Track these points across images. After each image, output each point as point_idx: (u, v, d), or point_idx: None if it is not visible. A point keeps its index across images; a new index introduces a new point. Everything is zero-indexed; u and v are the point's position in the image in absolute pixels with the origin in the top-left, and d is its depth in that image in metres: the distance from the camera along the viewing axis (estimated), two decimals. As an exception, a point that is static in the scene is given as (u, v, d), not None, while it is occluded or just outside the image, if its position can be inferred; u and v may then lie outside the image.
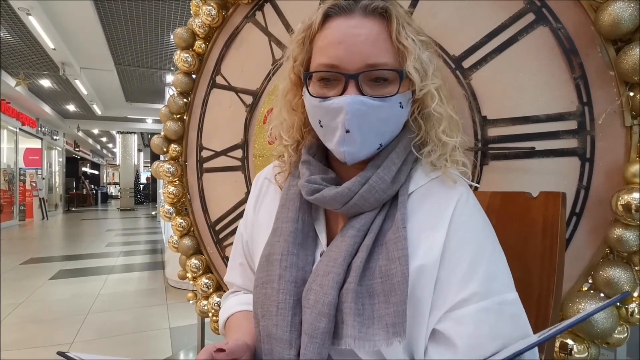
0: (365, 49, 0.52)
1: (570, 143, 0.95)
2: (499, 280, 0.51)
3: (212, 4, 1.48)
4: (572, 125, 0.95)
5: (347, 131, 0.53)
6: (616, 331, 0.86)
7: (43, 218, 11.25)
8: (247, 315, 0.64)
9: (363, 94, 0.52)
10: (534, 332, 0.51)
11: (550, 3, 0.95)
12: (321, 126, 0.56)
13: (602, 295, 0.86)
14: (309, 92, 0.56)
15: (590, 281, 0.90)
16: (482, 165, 1.05)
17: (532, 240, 0.70)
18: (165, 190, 1.65)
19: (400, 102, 0.55)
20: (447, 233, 0.52)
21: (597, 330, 0.83)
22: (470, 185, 0.60)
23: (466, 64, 1.07)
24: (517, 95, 1.01)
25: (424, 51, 0.55)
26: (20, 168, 10.62)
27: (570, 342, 0.88)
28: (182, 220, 1.65)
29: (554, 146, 0.97)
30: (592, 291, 0.89)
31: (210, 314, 1.54)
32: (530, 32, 0.98)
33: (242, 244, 0.71)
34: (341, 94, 0.53)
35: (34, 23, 5.22)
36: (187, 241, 1.63)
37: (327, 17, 0.55)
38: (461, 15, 1.07)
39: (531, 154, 0.99)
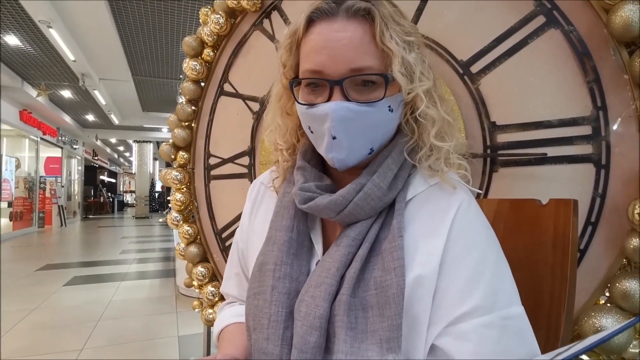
0: (349, 54, 0.50)
1: (585, 149, 0.91)
2: (503, 293, 0.47)
3: (220, 12, 1.49)
4: (586, 130, 0.91)
5: (334, 137, 0.51)
6: (631, 345, 0.81)
7: (61, 225, 11.50)
8: (240, 327, 0.62)
9: (349, 100, 0.51)
10: (543, 349, 0.48)
11: (560, 5, 0.93)
12: (311, 132, 0.55)
13: (618, 308, 0.81)
14: (296, 100, 0.56)
15: (607, 294, 0.86)
16: (492, 172, 1.02)
17: (542, 250, 0.66)
18: (173, 198, 1.65)
19: (389, 106, 0.53)
20: (446, 241, 0.49)
21: (613, 345, 0.78)
22: (473, 192, 0.57)
23: (474, 68, 1.04)
24: (527, 100, 0.98)
25: (410, 52, 0.53)
26: (40, 176, 10.90)
27: (585, 357, 0.83)
28: (189, 228, 1.64)
29: (568, 152, 0.93)
30: (609, 304, 0.84)
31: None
32: (541, 35, 0.95)
33: (237, 253, 0.69)
34: (327, 100, 0.51)
35: (55, 35, 5.40)
36: (193, 249, 1.62)
37: (310, 21, 0.53)
38: (469, 19, 1.05)
39: (543, 160, 0.96)
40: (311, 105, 0.53)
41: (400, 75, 0.51)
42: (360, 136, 0.52)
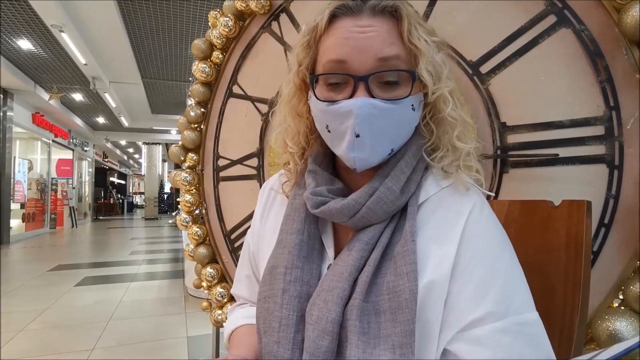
0: (375, 46, 0.49)
1: (597, 149, 0.90)
2: (516, 299, 0.47)
3: (229, 15, 1.50)
4: (599, 130, 0.90)
5: (357, 135, 0.49)
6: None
7: (73, 226, 11.65)
8: (251, 329, 0.62)
9: (373, 97, 0.49)
10: (557, 353, 0.47)
11: (571, 4, 0.91)
12: (329, 131, 0.53)
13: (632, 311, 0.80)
14: (315, 96, 0.53)
15: (621, 297, 0.84)
16: (502, 173, 1.01)
17: (554, 253, 0.65)
18: (182, 199, 1.66)
19: (412, 105, 0.52)
20: (458, 245, 0.48)
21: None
22: (485, 194, 0.56)
23: (484, 69, 1.03)
24: (538, 100, 0.97)
25: (438, 52, 0.52)
26: (52, 178, 11.06)
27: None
28: (198, 229, 1.65)
29: (580, 153, 0.92)
30: (622, 307, 0.82)
31: (224, 324, 1.53)
32: (552, 35, 0.94)
33: (249, 255, 0.69)
34: (350, 97, 0.50)
35: (67, 39, 5.49)
36: (202, 250, 1.63)
37: (333, 17, 0.52)
38: (479, 19, 1.04)
39: (555, 161, 0.94)
40: (332, 102, 0.52)
41: (427, 74, 0.50)
42: (383, 135, 0.51)
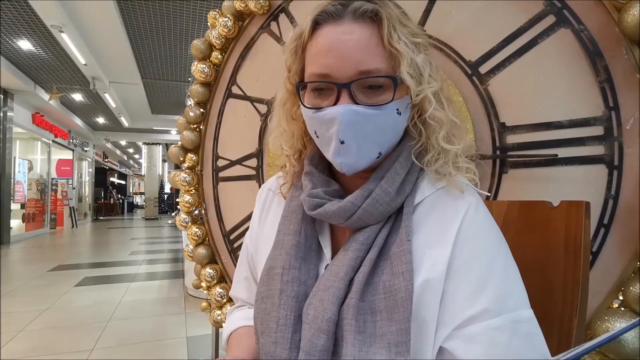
0: (356, 56, 0.49)
1: (597, 150, 0.90)
2: (512, 297, 0.47)
3: (228, 15, 1.50)
4: (598, 130, 0.89)
5: (342, 142, 0.50)
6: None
7: (73, 226, 11.65)
8: (249, 331, 0.62)
9: (357, 103, 0.50)
10: (556, 354, 0.47)
11: (571, 4, 0.91)
12: (317, 137, 0.55)
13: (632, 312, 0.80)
14: (302, 103, 0.55)
15: (621, 297, 0.84)
16: (501, 174, 1.01)
17: (553, 253, 0.65)
18: (182, 199, 1.66)
19: (397, 109, 0.52)
20: (454, 245, 0.49)
21: (627, 350, 0.77)
22: (482, 195, 0.56)
23: (483, 69, 1.03)
24: (537, 101, 0.96)
25: (419, 54, 0.52)
26: (52, 178, 11.06)
27: (598, 363, 0.82)
28: (197, 229, 1.65)
29: (579, 153, 0.92)
30: (622, 308, 0.82)
31: (223, 324, 1.53)
32: (551, 35, 0.94)
33: (247, 257, 0.69)
34: (334, 104, 0.50)
35: (66, 40, 5.49)
36: (202, 250, 1.63)
37: (316, 24, 0.53)
38: (477, 20, 1.04)
39: (554, 161, 0.94)
40: (318, 109, 0.52)
41: (409, 77, 0.50)
42: (368, 140, 0.51)
